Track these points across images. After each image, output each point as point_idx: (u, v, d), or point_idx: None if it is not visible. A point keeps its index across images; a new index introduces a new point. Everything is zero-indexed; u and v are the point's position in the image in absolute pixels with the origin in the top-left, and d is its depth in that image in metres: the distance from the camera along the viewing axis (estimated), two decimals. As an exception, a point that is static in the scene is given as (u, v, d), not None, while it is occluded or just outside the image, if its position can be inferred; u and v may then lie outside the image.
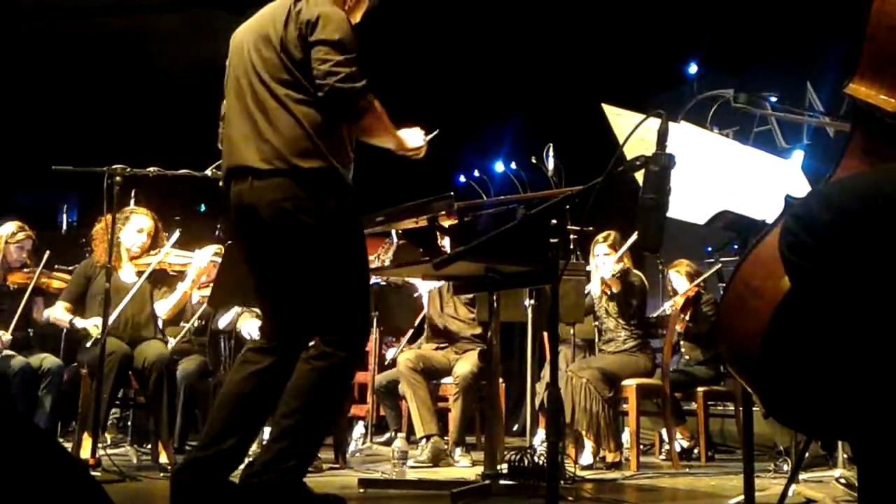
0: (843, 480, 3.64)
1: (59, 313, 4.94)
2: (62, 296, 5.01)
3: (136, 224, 4.95)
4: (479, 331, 5.51)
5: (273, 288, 3.11)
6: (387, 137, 3.17)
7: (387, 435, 6.50)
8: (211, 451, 2.97)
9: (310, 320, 3.03)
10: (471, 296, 5.46)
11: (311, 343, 3.03)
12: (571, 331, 5.53)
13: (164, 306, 5.03)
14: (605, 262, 5.47)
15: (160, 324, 5.10)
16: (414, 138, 3.30)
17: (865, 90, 1.60)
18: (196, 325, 5.59)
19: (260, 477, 2.90)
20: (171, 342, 5.22)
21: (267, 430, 4.60)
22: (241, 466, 3.07)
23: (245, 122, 3.00)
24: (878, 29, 1.58)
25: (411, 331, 6.65)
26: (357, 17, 3.21)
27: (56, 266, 5.48)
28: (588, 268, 5.56)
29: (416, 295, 6.07)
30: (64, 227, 6.41)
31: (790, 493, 3.28)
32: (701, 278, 5.92)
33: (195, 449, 3.12)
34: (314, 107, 2.93)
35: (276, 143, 2.92)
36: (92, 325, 4.72)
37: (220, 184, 3.18)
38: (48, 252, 5.28)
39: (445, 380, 5.45)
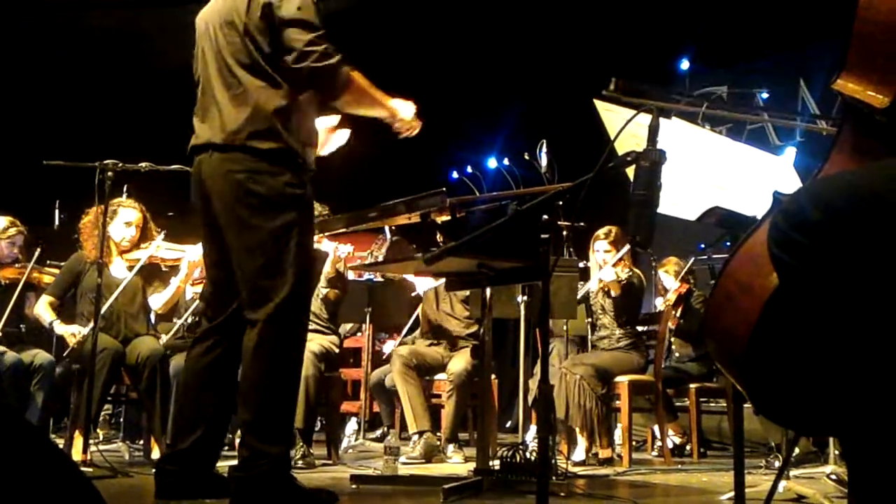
0: (833, 476, 3.65)
1: (41, 310, 4.92)
2: (48, 290, 4.99)
3: (124, 217, 4.94)
4: (474, 329, 5.51)
5: (221, 259, 3.14)
6: (375, 107, 3.22)
7: (379, 431, 6.50)
8: (184, 443, 3.06)
9: (249, 294, 3.04)
10: (467, 293, 5.46)
11: (249, 331, 3.02)
12: (565, 326, 5.54)
13: (158, 300, 5.03)
14: (605, 258, 5.46)
15: (153, 319, 5.09)
16: (405, 109, 3.32)
17: (853, 86, 1.60)
18: (189, 321, 5.57)
19: (247, 472, 2.93)
20: (164, 339, 5.22)
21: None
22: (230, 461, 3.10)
23: (211, 102, 3.10)
24: (865, 24, 1.58)
25: (409, 325, 6.65)
26: None
27: (48, 261, 5.46)
28: (581, 264, 5.55)
29: (413, 294, 6.07)
30: (56, 222, 6.38)
31: (781, 488, 3.30)
32: (685, 269, 5.92)
33: (172, 442, 3.21)
34: (275, 90, 3.03)
35: (237, 124, 3.02)
36: (70, 332, 4.72)
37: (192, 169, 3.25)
38: (40, 247, 5.25)
39: (439, 376, 5.45)
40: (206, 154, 3.08)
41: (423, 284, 5.96)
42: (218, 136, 3.05)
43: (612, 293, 5.40)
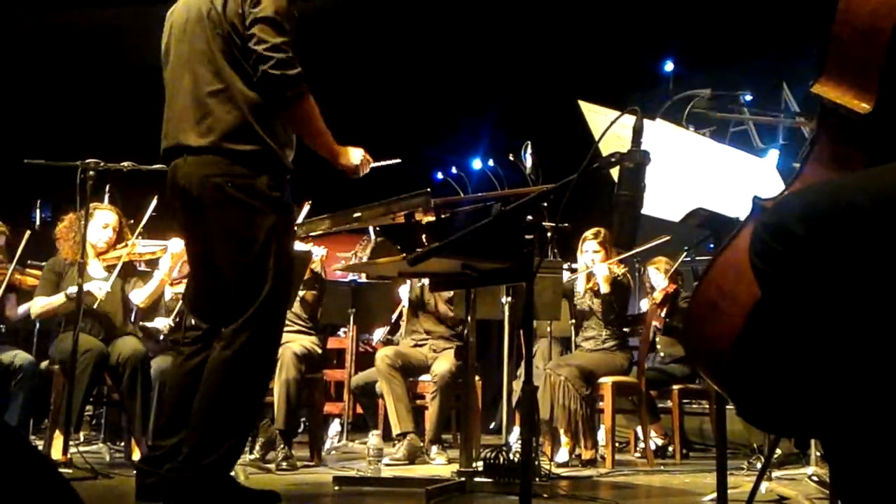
0: (815, 478, 3.68)
1: (42, 301, 4.85)
2: (38, 291, 4.92)
3: (101, 220, 4.92)
4: (458, 330, 5.50)
5: (201, 265, 3.10)
6: (318, 139, 3.09)
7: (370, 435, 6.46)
8: (164, 447, 3.02)
9: (228, 301, 2.98)
10: (449, 294, 5.45)
11: (218, 341, 2.98)
12: (549, 328, 5.54)
13: (140, 295, 4.99)
14: (594, 258, 5.48)
15: (132, 317, 5.06)
16: (354, 156, 3.24)
17: (832, 91, 1.58)
18: (172, 324, 5.52)
19: (178, 473, 2.89)
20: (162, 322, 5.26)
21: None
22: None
23: (184, 102, 3.01)
24: (843, 28, 1.56)
25: (395, 315, 6.64)
26: None
27: (29, 262, 5.42)
28: (572, 265, 5.56)
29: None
30: (37, 223, 6.33)
31: (763, 490, 3.31)
32: (674, 267, 5.94)
33: (153, 444, 3.21)
34: (252, 88, 2.94)
35: (213, 124, 2.93)
36: (95, 288, 4.68)
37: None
38: (21, 248, 5.21)
39: (423, 377, 5.44)
40: (180, 159, 3.00)
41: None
42: (192, 139, 2.96)
43: (603, 289, 5.41)
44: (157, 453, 3.06)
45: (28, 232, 5.18)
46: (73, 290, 4.68)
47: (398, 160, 3.42)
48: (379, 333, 6.78)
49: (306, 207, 5.14)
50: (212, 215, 2.96)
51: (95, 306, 4.67)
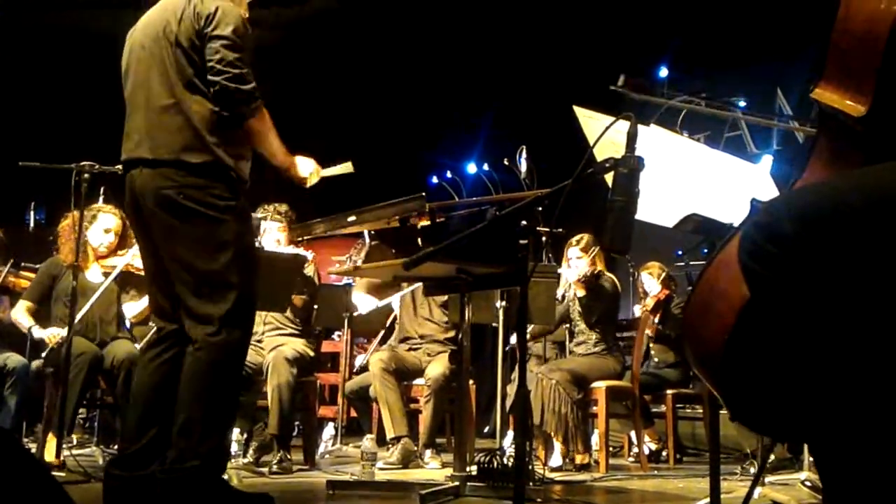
0: (808, 483, 3.68)
1: (20, 316, 4.88)
2: (25, 295, 4.95)
3: (104, 223, 4.91)
4: (452, 334, 5.50)
5: (161, 272, 3.12)
6: (271, 150, 3.18)
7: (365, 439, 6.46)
8: (131, 449, 3.02)
9: (189, 310, 3.02)
10: (444, 298, 5.45)
11: (191, 346, 3.00)
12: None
13: (133, 309, 4.99)
14: (577, 265, 5.49)
15: (127, 324, 5.05)
16: (304, 167, 3.32)
17: (830, 95, 1.60)
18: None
19: (168, 475, 2.90)
20: (139, 345, 5.18)
21: (235, 431, 4.59)
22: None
23: (140, 117, 3.08)
24: (843, 35, 1.58)
25: (382, 332, 6.64)
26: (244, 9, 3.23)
27: (23, 265, 5.41)
28: (560, 270, 5.57)
29: (356, 314, 6.07)
30: (31, 225, 6.32)
31: (756, 495, 3.31)
32: (665, 273, 5.95)
33: (121, 447, 3.17)
34: (205, 102, 3.01)
35: (167, 138, 3.01)
36: (49, 335, 4.68)
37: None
38: (15, 251, 5.21)
39: (417, 381, 5.44)
40: (136, 170, 3.07)
41: (364, 306, 5.97)
42: (147, 152, 3.03)
43: (579, 292, 5.43)
44: (127, 453, 3.04)
45: (11, 261, 5.18)
46: (37, 332, 4.77)
47: (349, 169, 3.45)
48: (361, 359, 6.77)
49: None
50: (167, 226, 3.01)
51: (44, 354, 4.71)
